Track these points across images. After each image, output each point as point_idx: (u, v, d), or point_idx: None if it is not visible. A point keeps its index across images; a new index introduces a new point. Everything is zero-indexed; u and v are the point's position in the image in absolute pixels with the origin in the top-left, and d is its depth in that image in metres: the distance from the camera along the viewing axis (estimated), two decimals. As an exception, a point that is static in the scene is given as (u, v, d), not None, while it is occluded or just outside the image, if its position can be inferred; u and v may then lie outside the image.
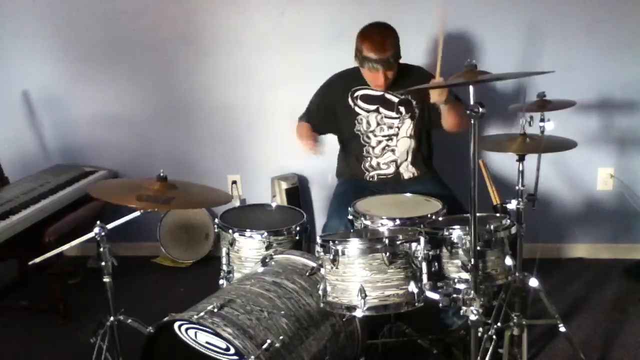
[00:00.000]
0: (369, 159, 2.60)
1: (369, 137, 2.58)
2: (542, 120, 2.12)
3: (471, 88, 1.65)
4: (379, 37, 2.40)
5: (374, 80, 2.48)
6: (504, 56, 2.97)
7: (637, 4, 2.87)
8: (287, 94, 3.20)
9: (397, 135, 2.56)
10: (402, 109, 2.55)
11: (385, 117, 2.56)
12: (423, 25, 2.91)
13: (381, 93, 2.54)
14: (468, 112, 1.62)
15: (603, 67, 2.95)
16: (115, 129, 3.40)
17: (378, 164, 2.60)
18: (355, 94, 2.56)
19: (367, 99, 2.56)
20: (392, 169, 2.60)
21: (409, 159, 2.59)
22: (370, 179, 2.61)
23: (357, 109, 2.56)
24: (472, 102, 1.61)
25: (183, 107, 3.33)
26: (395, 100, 2.55)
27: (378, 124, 2.56)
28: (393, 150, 2.58)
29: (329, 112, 2.62)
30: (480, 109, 1.59)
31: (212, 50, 3.22)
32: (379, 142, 2.58)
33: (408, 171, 2.60)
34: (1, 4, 3.31)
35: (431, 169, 2.67)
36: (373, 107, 2.55)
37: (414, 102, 2.56)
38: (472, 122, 1.62)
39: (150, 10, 3.20)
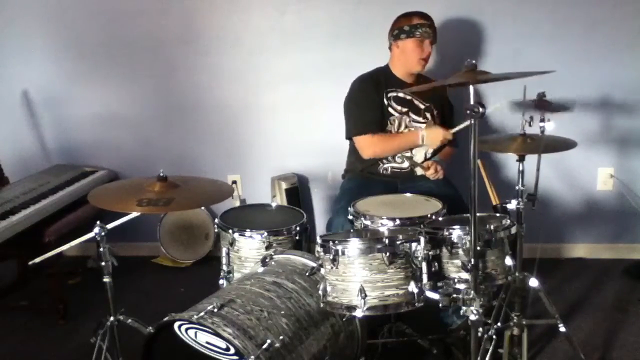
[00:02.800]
0: None
1: None
2: (542, 120, 2.12)
3: (471, 88, 1.65)
4: (416, 11, 2.56)
5: (419, 53, 2.53)
6: (504, 56, 2.97)
7: (637, 4, 2.88)
8: (287, 93, 3.21)
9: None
10: (427, 115, 2.63)
11: (413, 121, 2.61)
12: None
13: (410, 97, 2.60)
14: (468, 112, 1.61)
15: (603, 67, 2.95)
16: (115, 129, 3.40)
17: (394, 156, 2.63)
18: (389, 95, 2.60)
19: (398, 101, 2.60)
20: (406, 164, 2.63)
21: (424, 159, 2.62)
22: (384, 171, 2.63)
23: (390, 110, 2.60)
24: (472, 102, 1.61)
25: (183, 107, 3.33)
26: (422, 106, 2.62)
27: (406, 127, 2.61)
28: (411, 149, 2.62)
29: (377, 109, 2.58)
30: (480, 109, 1.59)
31: (212, 50, 3.22)
32: None
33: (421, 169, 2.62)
34: (1, 4, 3.31)
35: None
36: (404, 110, 2.60)
37: (435, 111, 2.64)
38: (472, 122, 1.62)
39: (150, 10, 3.20)
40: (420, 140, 2.52)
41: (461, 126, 2.42)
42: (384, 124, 2.59)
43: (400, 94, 2.60)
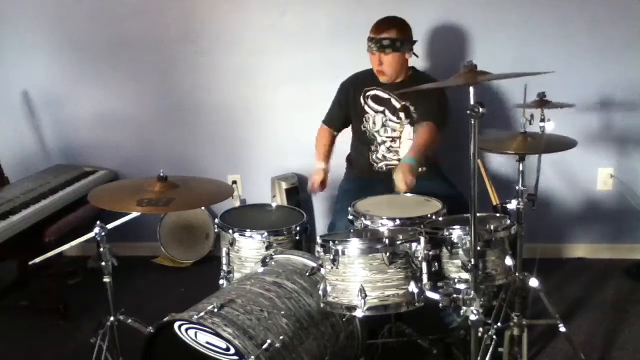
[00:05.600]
0: (376, 151, 2.66)
1: (374, 136, 2.66)
2: (542, 120, 2.12)
3: (471, 88, 1.65)
4: (383, 20, 2.55)
5: (374, 65, 2.57)
6: (504, 56, 2.97)
7: (637, 3, 2.87)
8: (287, 93, 3.21)
9: (399, 138, 2.63)
10: (402, 114, 2.61)
11: (389, 120, 2.63)
12: (422, 25, 2.91)
13: (388, 97, 2.62)
14: (468, 112, 1.61)
15: (603, 67, 2.95)
16: (115, 129, 3.40)
17: (384, 156, 2.66)
18: (367, 93, 2.64)
19: (376, 99, 2.64)
20: (396, 158, 2.64)
21: None
22: (380, 169, 2.65)
23: (366, 108, 2.64)
24: (472, 102, 1.61)
25: (183, 107, 3.33)
26: (398, 105, 2.62)
27: (383, 125, 2.63)
28: (397, 152, 2.63)
29: (343, 109, 2.72)
30: (481, 109, 1.59)
31: (212, 50, 3.22)
32: (383, 141, 2.65)
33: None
34: (1, 4, 3.31)
35: (436, 168, 2.71)
36: (380, 109, 2.63)
37: (412, 108, 2.61)
38: (472, 122, 1.62)
39: (150, 10, 3.20)
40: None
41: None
42: (356, 122, 2.68)
43: (379, 93, 2.63)
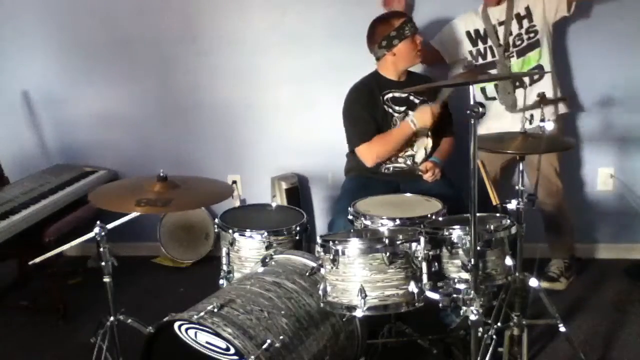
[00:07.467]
0: None
1: None
2: (542, 120, 2.12)
3: (471, 88, 1.65)
4: (389, 12, 2.59)
5: (414, 49, 2.56)
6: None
7: (638, 3, 2.87)
8: (287, 93, 3.21)
9: (417, 133, 2.62)
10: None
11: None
12: (420, 26, 2.91)
13: (406, 95, 2.63)
14: (468, 112, 1.62)
15: (603, 67, 2.94)
16: (115, 129, 3.40)
17: (396, 157, 2.64)
18: (386, 98, 2.63)
19: (395, 101, 2.63)
20: (408, 162, 2.65)
21: (425, 155, 2.65)
22: (386, 170, 2.65)
23: (391, 111, 2.62)
24: (472, 102, 1.61)
25: (183, 107, 3.33)
26: (417, 101, 2.63)
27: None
28: (412, 146, 2.64)
29: (373, 119, 2.60)
30: (480, 109, 1.59)
31: (212, 50, 3.22)
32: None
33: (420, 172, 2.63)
34: (1, 4, 3.31)
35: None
36: (403, 109, 2.62)
37: (430, 103, 2.63)
38: (472, 122, 1.62)
39: (150, 10, 3.20)
40: (412, 126, 2.53)
41: (445, 95, 2.44)
42: (384, 128, 2.60)
43: (397, 94, 2.62)
